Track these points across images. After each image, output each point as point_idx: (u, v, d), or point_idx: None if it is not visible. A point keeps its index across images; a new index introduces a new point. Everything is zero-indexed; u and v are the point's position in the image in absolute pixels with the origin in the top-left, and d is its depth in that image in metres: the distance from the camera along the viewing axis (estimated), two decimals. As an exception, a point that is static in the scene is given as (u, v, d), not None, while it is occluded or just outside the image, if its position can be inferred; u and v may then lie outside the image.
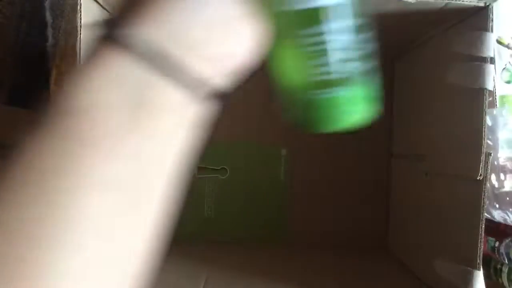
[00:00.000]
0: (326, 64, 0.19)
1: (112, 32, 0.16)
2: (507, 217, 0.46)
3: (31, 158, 0.15)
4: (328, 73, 0.20)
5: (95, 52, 0.16)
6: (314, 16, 0.19)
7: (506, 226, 0.48)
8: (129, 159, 0.15)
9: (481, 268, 0.35)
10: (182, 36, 0.16)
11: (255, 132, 0.56)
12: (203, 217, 0.58)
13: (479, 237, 0.35)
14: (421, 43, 0.48)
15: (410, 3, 0.36)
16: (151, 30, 0.16)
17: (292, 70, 0.21)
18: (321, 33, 0.19)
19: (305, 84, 0.20)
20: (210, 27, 0.17)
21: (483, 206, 0.35)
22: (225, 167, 0.58)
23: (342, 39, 0.19)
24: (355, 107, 0.21)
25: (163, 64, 0.16)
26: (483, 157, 0.35)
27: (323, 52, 0.19)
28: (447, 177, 0.42)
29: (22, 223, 0.14)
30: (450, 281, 0.38)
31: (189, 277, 0.45)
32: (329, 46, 0.19)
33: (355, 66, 0.20)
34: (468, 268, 0.36)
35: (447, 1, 0.36)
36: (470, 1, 0.36)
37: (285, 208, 0.58)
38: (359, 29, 0.20)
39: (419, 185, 0.48)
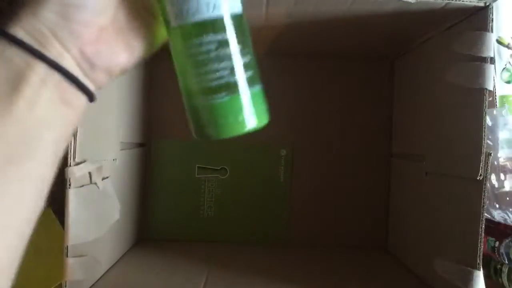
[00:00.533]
0: (212, 71, 0.21)
1: None
2: (507, 217, 0.46)
3: None
4: (214, 80, 0.21)
5: None
6: (200, 28, 0.21)
7: (506, 226, 0.48)
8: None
9: (481, 268, 0.35)
10: (65, 32, 0.19)
11: (255, 132, 0.56)
12: (203, 217, 0.58)
13: (479, 237, 0.35)
14: (421, 43, 0.48)
15: (410, 3, 0.36)
16: (30, 20, 0.18)
17: (185, 76, 0.22)
18: (207, 43, 0.21)
19: (195, 89, 0.22)
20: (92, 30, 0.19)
21: (483, 206, 0.35)
22: (225, 167, 0.58)
23: (228, 50, 0.21)
24: (241, 113, 0.22)
25: (38, 53, 0.18)
26: (483, 157, 0.35)
27: (209, 60, 0.21)
28: (447, 177, 0.42)
29: None
30: (450, 281, 0.38)
31: (189, 277, 0.45)
32: (215, 55, 0.21)
33: (240, 75, 0.22)
34: (468, 268, 0.36)
35: (447, 1, 0.36)
36: (470, 1, 0.36)
37: (285, 208, 0.58)
38: (243, 42, 0.22)
39: (419, 185, 0.48)
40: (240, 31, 0.22)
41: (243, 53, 0.22)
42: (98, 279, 0.42)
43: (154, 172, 0.58)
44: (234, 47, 0.21)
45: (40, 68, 0.18)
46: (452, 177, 0.41)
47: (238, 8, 0.22)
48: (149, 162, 0.58)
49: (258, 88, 0.23)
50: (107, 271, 0.44)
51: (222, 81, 0.21)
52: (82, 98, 0.20)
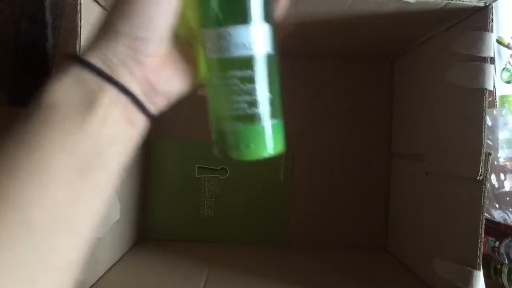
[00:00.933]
0: (238, 102, 0.24)
1: (75, 56, 0.22)
2: (507, 217, 0.46)
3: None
4: (240, 109, 0.24)
5: (64, 66, 0.21)
6: (232, 64, 0.24)
7: (506, 226, 0.48)
8: (75, 147, 0.20)
9: (481, 268, 0.35)
10: (129, 62, 0.22)
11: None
12: (203, 217, 0.58)
13: (479, 237, 0.35)
14: (421, 43, 0.48)
15: (410, 3, 0.36)
16: (103, 51, 0.22)
17: (215, 101, 0.25)
18: (236, 77, 0.24)
19: (223, 115, 0.25)
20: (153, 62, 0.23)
21: (483, 206, 0.35)
22: (225, 167, 0.58)
23: (254, 85, 0.24)
24: (260, 141, 0.25)
25: (110, 78, 0.21)
26: (483, 157, 0.35)
27: (237, 92, 0.24)
28: (447, 177, 0.42)
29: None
30: (450, 281, 0.38)
31: (189, 277, 0.45)
32: (242, 88, 0.24)
33: (263, 109, 0.24)
34: (468, 268, 0.36)
35: (447, 1, 0.36)
36: (470, 1, 0.36)
37: (285, 208, 0.58)
38: (270, 79, 0.25)
39: (419, 185, 0.48)
40: (268, 70, 0.24)
41: (268, 89, 0.24)
42: (98, 279, 0.42)
43: (154, 172, 0.58)
44: (261, 83, 0.24)
45: (111, 91, 0.21)
46: (452, 177, 0.41)
47: (269, 49, 0.24)
48: (149, 162, 0.58)
49: (278, 121, 0.25)
50: (107, 271, 0.44)
51: (247, 111, 0.24)
52: (143, 119, 0.23)
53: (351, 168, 0.58)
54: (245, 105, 0.24)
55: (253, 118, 0.24)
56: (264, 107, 0.24)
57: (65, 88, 0.21)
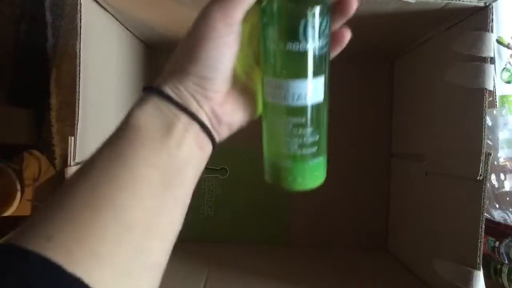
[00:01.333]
0: (287, 143, 0.26)
1: (153, 85, 0.25)
2: (507, 217, 0.46)
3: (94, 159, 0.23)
4: (287, 149, 0.27)
5: (145, 96, 0.25)
6: (285, 111, 0.26)
7: (506, 226, 0.48)
8: (158, 164, 0.23)
9: (481, 268, 0.35)
10: (198, 93, 0.25)
11: (255, 132, 0.56)
12: (203, 217, 0.58)
13: (479, 237, 0.35)
14: (421, 43, 0.48)
15: (410, 3, 0.36)
16: (175, 85, 0.25)
17: (268, 138, 0.28)
18: (287, 122, 0.26)
19: (273, 150, 0.28)
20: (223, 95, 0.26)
21: (483, 206, 0.35)
22: (225, 167, 0.58)
23: (303, 130, 0.26)
24: (303, 176, 0.28)
25: (184, 108, 0.24)
26: (483, 157, 0.35)
27: (286, 134, 0.26)
28: (447, 177, 0.42)
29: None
30: (450, 281, 0.38)
31: (189, 277, 0.45)
32: (291, 131, 0.26)
33: (307, 150, 0.27)
34: (468, 268, 0.36)
35: (447, 1, 0.36)
36: (470, 1, 0.36)
37: (285, 208, 0.58)
38: (318, 124, 0.27)
39: (419, 185, 0.48)
40: (317, 116, 0.26)
41: (315, 133, 0.27)
42: (98, 279, 0.42)
43: (154, 172, 0.57)
44: (311, 129, 0.26)
45: (184, 119, 0.24)
46: (452, 177, 0.41)
47: (320, 98, 0.26)
48: (149, 162, 0.57)
49: (321, 159, 0.28)
50: (107, 271, 0.44)
51: (297, 152, 0.27)
52: (210, 145, 0.26)
53: (351, 168, 0.58)
54: (295, 147, 0.26)
55: (302, 158, 0.27)
56: (312, 148, 0.27)
57: (147, 114, 0.24)
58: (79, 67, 0.37)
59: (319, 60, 0.25)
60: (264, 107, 0.28)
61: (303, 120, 0.26)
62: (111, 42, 0.44)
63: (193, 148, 0.25)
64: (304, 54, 0.25)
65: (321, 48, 0.25)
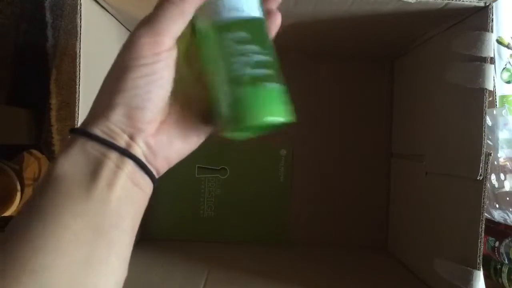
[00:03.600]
0: (240, 63, 0.24)
1: (77, 128, 0.23)
2: (507, 217, 0.46)
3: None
4: (233, 70, 0.24)
5: (71, 139, 0.23)
6: (227, 27, 0.25)
7: (506, 226, 0.48)
8: (86, 211, 0.21)
9: (481, 268, 0.35)
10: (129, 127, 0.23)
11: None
12: (203, 217, 0.58)
13: (479, 237, 0.35)
14: (421, 43, 0.48)
15: (410, 3, 0.36)
16: (102, 121, 0.23)
17: (219, 73, 0.25)
18: (232, 39, 0.24)
19: (230, 82, 0.24)
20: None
21: (483, 206, 0.35)
22: (225, 167, 0.58)
23: (247, 47, 0.24)
24: (269, 105, 0.25)
25: (111, 144, 0.22)
26: (483, 157, 0.35)
27: (237, 52, 0.24)
28: (447, 177, 0.42)
29: None
30: (450, 281, 0.38)
31: (189, 277, 0.45)
32: (236, 50, 0.24)
33: (264, 69, 0.25)
34: (468, 268, 0.36)
35: (447, 1, 0.36)
36: (470, 1, 0.36)
37: (285, 208, 0.58)
38: (266, 41, 0.26)
39: (419, 185, 0.48)
40: (258, 33, 0.25)
41: (261, 52, 0.25)
42: (98, 279, 0.42)
43: (154, 172, 0.58)
44: (252, 46, 0.24)
45: (114, 156, 0.22)
46: (452, 177, 0.41)
47: (255, 13, 0.25)
48: (149, 162, 0.57)
49: (276, 86, 0.25)
50: (107, 271, 0.44)
51: (242, 72, 0.24)
52: (148, 182, 0.24)
53: (351, 168, 0.58)
54: (242, 66, 0.24)
55: (253, 79, 0.24)
56: (262, 69, 0.25)
57: (71, 159, 0.22)
58: (79, 67, 0.37)
59: None
60: (202, 42, 0.26)
61: (243, 34, 0.24)
62: (111, 42, 0.44)
63: (127, 186, 0.23)
64: None
65: None
